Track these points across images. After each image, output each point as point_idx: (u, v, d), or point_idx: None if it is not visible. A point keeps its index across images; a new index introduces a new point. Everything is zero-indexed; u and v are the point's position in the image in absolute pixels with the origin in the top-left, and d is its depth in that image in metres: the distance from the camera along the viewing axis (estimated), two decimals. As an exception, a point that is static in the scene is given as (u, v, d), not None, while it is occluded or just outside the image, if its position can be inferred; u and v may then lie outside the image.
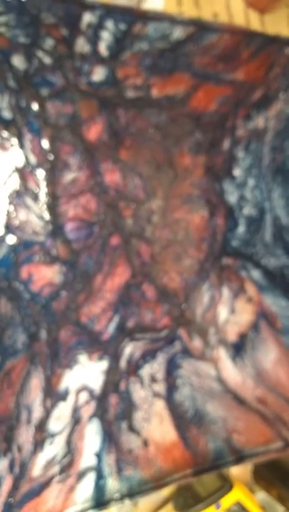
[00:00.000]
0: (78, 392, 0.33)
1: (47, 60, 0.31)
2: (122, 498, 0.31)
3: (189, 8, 0.42)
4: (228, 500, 0.38)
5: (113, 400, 0.34)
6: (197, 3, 0.42)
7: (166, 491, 0.40)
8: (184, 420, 0.35)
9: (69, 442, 0.32)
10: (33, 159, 0.33)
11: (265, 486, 0.41)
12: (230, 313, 0.38)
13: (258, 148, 0.38)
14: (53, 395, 0.32)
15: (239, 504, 0.39)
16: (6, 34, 0.30)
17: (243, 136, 0.38)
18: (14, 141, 0.32)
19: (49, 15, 0.30)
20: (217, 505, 0.38)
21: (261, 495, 0.42)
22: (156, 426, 0.34)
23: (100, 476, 0.32)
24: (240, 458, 0.34)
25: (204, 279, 0.38)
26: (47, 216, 0.33)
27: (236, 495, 0.39)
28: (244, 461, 0.34)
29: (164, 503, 0.40)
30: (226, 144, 0.38)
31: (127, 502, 0.32)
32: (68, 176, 0.34)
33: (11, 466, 0.30)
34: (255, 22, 0.44)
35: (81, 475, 0.32)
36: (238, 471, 0.42)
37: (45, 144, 0.33)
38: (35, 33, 0.30)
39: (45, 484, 0.31)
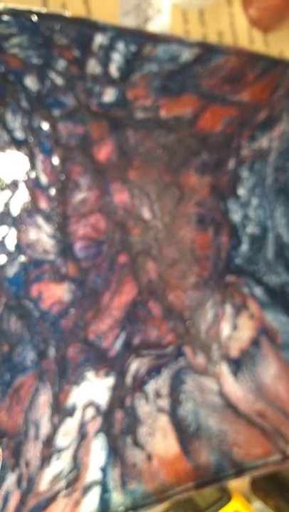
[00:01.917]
0: (85, 407, 0.34)
1: (59, 81, 0.32)
2: (126, 511, 0.32)
3: (195, 27, 0.42)
4: (226, 511, 0.39)
5: (119, 415, 0.34)
6: (203, 22, 0.43)
7: (166, 503, 0.40)
8: (187, 434, 0.35)
9: (75, 457, 0.32)
10: (44, 179, 0.33)
11: (263, 497, 0.42)
12: (233, 329, 0.39)
13: (261, 168, 0.39)
14: (60, 411, 0.33)
15: (237, 515, 0.39)
16: (19, 55, 0.30)
17: (247, 157, 0.39)
18: (26, 161, 0.33)
19: (62, 36, 0.30)
20: (216, 515, 0.39)
21: (258, 504, 0.43)
22: (160, 440, 0.35)
23: (105, 490, 0.32)
24: (240, 471, 0.35)
25: (208, 297, 0.39)
26: (57, 235, 0.34)
27: (235, 506, 0.39)
28: (244, 474, 0.35)
29: (164, 514, 0.40)
30: (231, 164, 0.39)
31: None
32: (78, 196, 0.34)
33: (19, 482, 0.31)
34: (258, 41, 0.45)
35: (87, 489, 0.32)
36: (236, 482, 0.42)
37: (57, 164, 0.33)
38: (48, 54, 0.31)
39: (51, 499, 0.31)
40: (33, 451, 0.31)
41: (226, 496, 0.40)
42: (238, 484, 0.43)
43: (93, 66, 0.32)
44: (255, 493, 0.43)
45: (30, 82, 0.31)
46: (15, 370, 0.32)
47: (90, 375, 0.34)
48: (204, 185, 0.38)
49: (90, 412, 0.34)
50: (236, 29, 0.44)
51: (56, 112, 0.32)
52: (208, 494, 0.40)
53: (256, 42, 0.45)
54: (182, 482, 0.34)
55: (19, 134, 0.32)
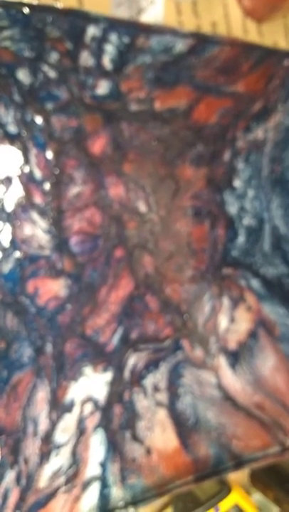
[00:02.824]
0: (83, 403, 0.34)
1: (52, 73, 0.31)
2: (126, 506, 0.32)
3: (189, 18, 0.42)
4: (226, 504, 0.39)
5: (117, 410, 0.34)
6: (196, 13, 0.42)
7: (165, 496, 0.40)
8: (186, 428, 0.35)
9: (74, 453, 0.32)
10: (38, 174, 0.33)
11: (262, 489, 0.42)
12: (230, 322, 0.39)
13: (257, 159, 0.39)
14: (58, 407, 0.33)
15: (237, 507, 0.39)
16: (11, 48, 0.30)
17: (243, 148, 0.38)
18: (19, 155, 0.32)
19: (54, 28, 0.30)
20: (216, 508, 0.39)
21: (257, 496, 0.43)
22: (159, 434, 0.35)
23: (104, 485, 0.32)
24: (239, 463, 0.35)
25: (205, 289, 0.39)
26: (52, 230, 0.33)
27: (234, 498, 0.40)
28: (243, 466, 0.35)
29: (163, 507, 0.40)
30: (227, 156, 0.38)
31: (131, 510, 0.32)
32: (73, 190, 0.34)
33: (18, 479, 0.30)
34: (252, 31, 0.45)
35: (86, 485, 0.32)
36: (236, 475, 0.42)
37: (51, 158, 0.33)
38: (40, 47, 0.30)
39: (51, 495, 0.31)
40: (31, 448, 0.31)
41: (225, 489, 0.40)
42: (238, 477, 0.43)
43: (86, 58, 0.31)
44: (255, 485, 0.43)
45: (23, 75, 0.31)
46: (12, 367, 0.32)
47: (87, 370, 0.34)
48: (200, 178, 0.38)
49: (89, 407, 0.34)
50: (230, 20, 0.44)
51: (49, 105, 0.32)
52: (208, 487, 0.40)
53: (250, 32, 0.45)
54: (182, 476, 0.34)
55: (12, 128, 0.32)
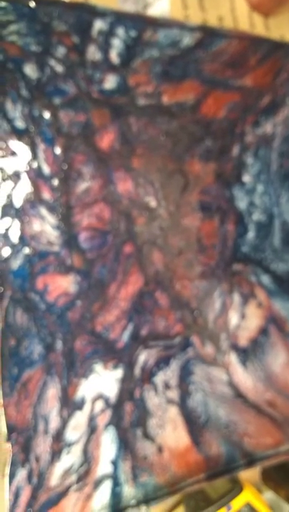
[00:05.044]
0: (94, 400, 0.33)
1: (59, 68, 0.31)
2: (138, 504, 0.32)
3: (195, 12, 0.41)
4: (238, 502, 0.39)
5: (128, 407, 0.34)
6: (203, 7, 0.42)
7: (177, 495, 0.40)
8: (197, 425, 0.35)
9: (85, 451, 0.32)
10: (46, 169, 0.33)
11: (274, 487, 0.42)
12: (241, 318, 0.38)
13: (266, 154, 0.38)
14: (69, 404, 0.32)
15: (249, 505, 0.39)
16: (17, 42, 0.29)
17: (251, 143, 0.38)
18: (27, 151, 0.32)
19: (60, 22, 0.29)
20: (228, 507, 0.38)
21: (269, 494, 0.43)
22: (170, 432, 0.34)
23: (116, 484, 0.32)
24: (251, 461, 0.34)
25: (216, 286, 0.38)
26: (61, 226, 0.33)
27: (246, 496, 0.39)
28: (255, 464, 0.34)
29: (175, 506, 0.40)
30: (236, 151, 0.38)
31: (144, 508, 0.32)
32: (82, 186, 0.34)
33: (29, 477, 0.30)
34: (259, 26, 0.44)
35: (98, 483, 0.32)
36: (247, 473, 0.42)
37: (59, 153, 0.33)
38: (47, 41, 0.30)
39: (62, 493, 0.31)
40: (42, 446, 0.31)
41: (237, 487, 0.40)
42: (249, 475, 0.42)
43: (93, 52, 0.31)
44: (267, 483, 0.43)
45: (30, 69, 0.30)
46: (22, 364, 0.31)
47: (98, 367, 0.34)
48: (209, 173, 0.38)
49: (99, 404, 0.33)
50: (236, 14, 0.43)
51: (57, 100, 0.32)
52: (220, 485, 0.40)
53: (257, 27, 0.44)
54: (193, 474, 0.33)
55: (20, 124, 0.31)
